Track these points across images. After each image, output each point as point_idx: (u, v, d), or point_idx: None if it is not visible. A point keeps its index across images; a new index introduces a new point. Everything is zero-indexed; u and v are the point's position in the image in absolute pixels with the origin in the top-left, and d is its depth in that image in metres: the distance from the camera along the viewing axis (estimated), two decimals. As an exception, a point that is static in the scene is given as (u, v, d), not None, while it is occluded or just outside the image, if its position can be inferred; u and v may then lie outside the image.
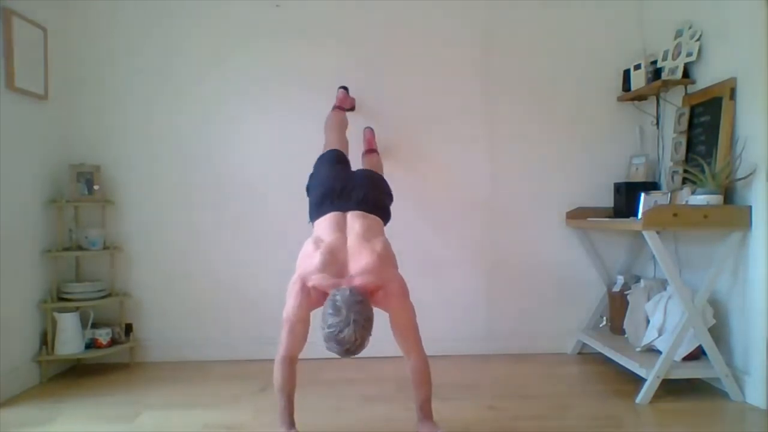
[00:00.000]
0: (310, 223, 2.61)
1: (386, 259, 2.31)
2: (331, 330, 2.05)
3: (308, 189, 2.78)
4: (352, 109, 3.47)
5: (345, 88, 3.44)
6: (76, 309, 3.18)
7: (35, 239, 3.10)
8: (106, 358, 3.34)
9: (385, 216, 2.65)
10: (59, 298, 3.18)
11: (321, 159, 2.91)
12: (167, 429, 2.46)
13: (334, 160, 2.85)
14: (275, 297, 3.43)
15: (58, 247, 3.21)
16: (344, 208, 2.50)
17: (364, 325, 2.06)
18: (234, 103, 3.48)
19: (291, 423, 2.25)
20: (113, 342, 3.29)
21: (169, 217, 3.46)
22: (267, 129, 3.49)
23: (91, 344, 3.23)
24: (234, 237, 3.48)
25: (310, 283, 2.22)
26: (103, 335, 3.24)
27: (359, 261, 2.24)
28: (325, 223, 2.45)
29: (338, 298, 2.08)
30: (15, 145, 2.94)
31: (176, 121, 3.46)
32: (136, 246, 3.45)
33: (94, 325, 3.27)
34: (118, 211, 3.44)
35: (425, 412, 2.29)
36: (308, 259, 2.28)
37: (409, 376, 2.30)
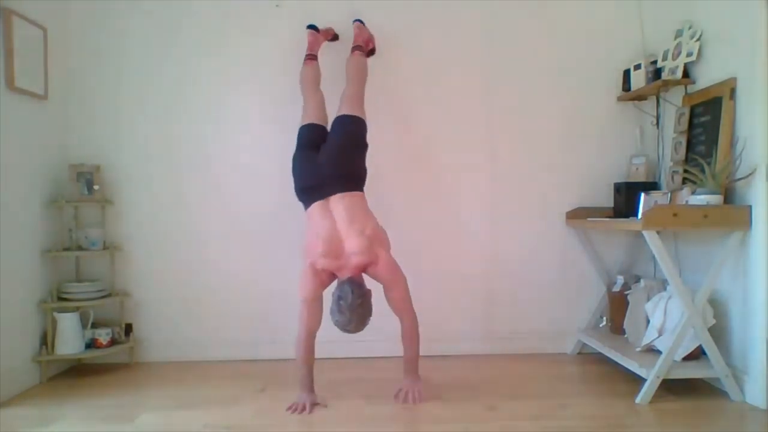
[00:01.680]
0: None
1: (374, 238, 2.74)
2: (338, 323, 2.65)
3: (292, 172, 3.01)
4: (336, 38, 3.46)
5: (314, 28, 3.40)
6: (76, 309, 3.17)
7: (35, 239, 3.10)
8: (106, 358, 3.33)
9: (362, 182, 2.93)
10: (59, 298, 3.17)
11: (298, 138, 3.06)
12: (167, 429, 2.46)
13: (306, 145, 3.00)
14: (275, 297, 3.46)
15: (58, 247, 3.21)
16: (324, 195, 2.81)
17: (363, 319, 2.65)
18: (234, 104, 3.48)
19: (311, 388, 2.74)
20: (113, 342, 3.28)
21: (169, 217, 3.46)
22: (268, 129, 3.49)
23: (91, 344, 3.23)
24: (234, 237, 3.48)
25: (318, 267, 2.70)
26: (103, 335, 3.23)
27: (351, 243, 2.69)
28: (315, 214, 2.81)
29: (342, 303, 2.59)
30: (15, 145, 2.94)
31: (176, 122, 3.46)
32: (136, 246, 3.45)
33: (94, 325, 3.27)
34: (118, 211, 3.44)
35: (411, 367, 2.79)
36: (313, 248, 2.73)
37: (401, 335, 2.77)
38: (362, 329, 2.67)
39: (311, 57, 3.34)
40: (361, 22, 3.43)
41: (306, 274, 2.71)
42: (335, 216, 2.75)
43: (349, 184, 2.84)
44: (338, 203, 2.78)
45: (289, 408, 2.65)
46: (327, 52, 3.44)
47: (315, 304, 2.70)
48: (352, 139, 2.98)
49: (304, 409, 2.63)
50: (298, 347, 2.73)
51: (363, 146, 3.01)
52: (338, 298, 2.61)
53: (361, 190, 2.89)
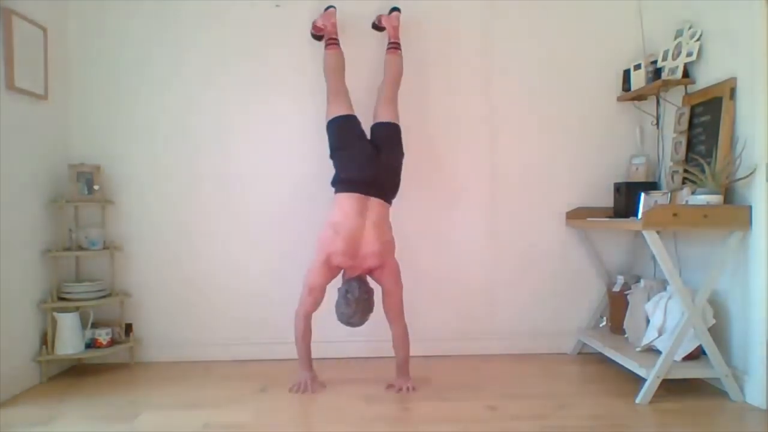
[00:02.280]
0: (333, 188, 3.01)
1: (389, 246, 2.94)
2: (343, 315, 2.86)
3: (333, 156, 3.06)
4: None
5: (333, 7, 3.35)
6: (76, 309, 3.17)
7: (35, 239, 3.10)
8: (106, 358, 3.33)
9: (396, 196, 3.07)
10: (59, 298, 3.17)
11: (341, 128, 3.06)
12: (167, 429, 2.46)
13: (357, 136, 3.04)
14: (276, 297, 3.46)
15: (58, 247, 3.20)
16: (370, 194, 2.91)
17: (366, 313, 2.88)
18: (235, 103, 3.47)
19: (311, 366, 2.94)
20: (113, 342, 3.28)
21: (170, 217, 3.46)
22: (269, 129, 3.49)
23: (91, 344, 3.22)
24: (234, 237, 3.48)
25: (334, 263, 2.85)
26: (103, 335, 3.23)
27: (370, 246, 2.85)
28: (348, 204, 2.89)
29: (350, 297, 2.83)
30: (15, 145, 2.94)
31: (176, 121, 3.46)
32: (136, 246, 3.45)
33: (94, 325, 3.27)
34: (118, 211, 3.44)
35: (402, 369, 2.96)
36: (332, 243, 2.83)
37: (392, 340, 2.95)
38: (363, 323, 2.90)
39: (334, 42, 3.29)
40: (399, 10, 3.36)
41: (320, 266, 2.86)
42: (367, 217, 2.88)
43: (391, 196, 3.03)
44: (375, 208, 2.91)
45: (292, 388, 2.84)
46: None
47: (320, 292, 2.90)
48: (402, 154, 3.11)
49: (306, 387, 2.83)
50: (297, 326, 2.91)
51: (402, 157, 3.13)
52: (345, 292, 2.86)
53: (392, 203, 3.04)
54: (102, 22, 3.42)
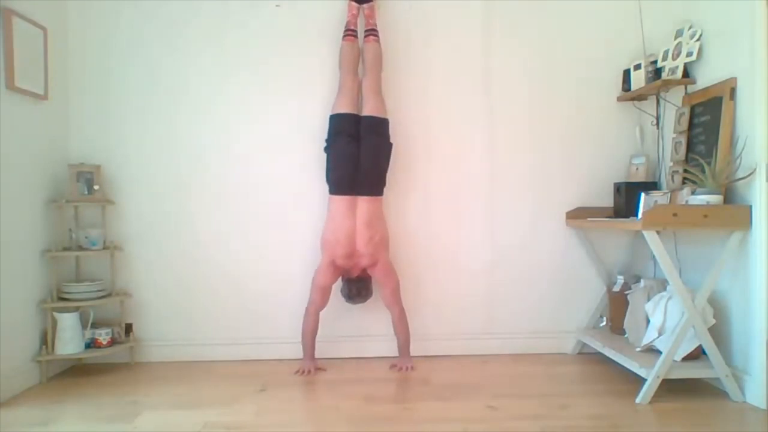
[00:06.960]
0: (327, 185, 3.24)
1: (381, 244, 3.21)
2: (348, 302, 3.33)
3: (326, 150, 3.28)
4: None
5: None
6: (76, 309, 3.17)
7: (35, 239, 3.10)
8: (106, 358, 3.34)
9: (384, 185, 3.28)
10: (59, 298, 3.17)
11: (332, 126, 3.25)
12: (167, 429, 2.46)
13: (343, 136, 3.21)
14: (276, 297, 3.47)
15: (58, 247, 3.20)
16: (355, 193, 3.16)
17: (366, 299, 3.33)
18: (235, 103, 3.47)
19: (314, 355, 3.23)
20: (113, 342, 3.28)
21: (169, 217, 3.45)
22: (268, 128, 3.49)
23: (91, 344, 3.22)
24: (234, 236, 3.48)
25: (338, 264, 3.18)
26: (103, 335, 3.23)
27: (362, 248, 3.16)
28: (339, 207, 3.16)
29: (353, 289, 3.27)
30: (15, 145, 2.94)
31: (176, 121, 3.46)
32: (136, 246, 3.45)
33: (94, 325, 3.27)
34: (118, 211, 3.44)
35: (403, 350, 3.28)
36: (333, 248, 3.16)
37: (392, 323, 3.28)
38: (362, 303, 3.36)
39: (350, 33, 3.33)
40: None
41: (326, 268, 3.18)
42: (357, 217, 3.15)
43: (378, 188, 3.23)
44: (364, 204, 3.16)
45: (296, 372, 3.14)
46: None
47: (327, 290, 3.23)
48: (387, 145, 3.28)
49: (309, 372, 3.14)
50: (307, 322, 3.21)
51: (391, 149, 3.30)
52: (347, 295, 3.29)
53: (383, 193, 3.26)
54: (102, 22, 3.42)
